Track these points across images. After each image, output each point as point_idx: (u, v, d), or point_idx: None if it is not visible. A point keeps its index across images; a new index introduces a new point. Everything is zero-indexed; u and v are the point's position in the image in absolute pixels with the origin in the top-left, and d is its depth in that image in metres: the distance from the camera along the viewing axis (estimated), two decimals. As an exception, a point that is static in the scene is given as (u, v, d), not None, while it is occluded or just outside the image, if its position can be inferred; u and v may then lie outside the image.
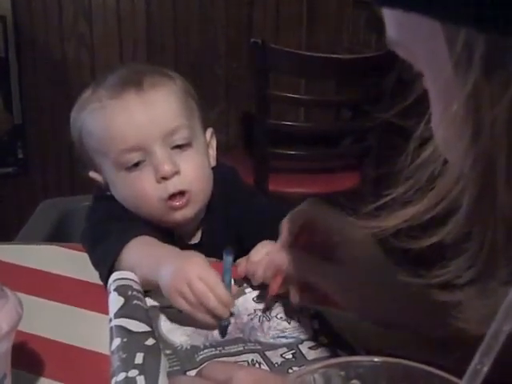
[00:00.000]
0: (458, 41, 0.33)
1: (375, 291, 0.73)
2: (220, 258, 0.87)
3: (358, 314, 0.75)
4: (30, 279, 0.90)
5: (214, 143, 1.07)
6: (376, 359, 0.37)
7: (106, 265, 0.87)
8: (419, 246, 0.42)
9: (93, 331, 0.78)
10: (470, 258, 0.38)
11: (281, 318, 0.81)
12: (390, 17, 0.40)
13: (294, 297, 0.78)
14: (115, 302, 0.75)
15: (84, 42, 2.78)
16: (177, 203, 0.95)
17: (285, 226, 0.79)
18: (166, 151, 0.94)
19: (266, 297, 0.82)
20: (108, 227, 0.94)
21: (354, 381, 0.37)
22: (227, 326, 0.78)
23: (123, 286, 0.78)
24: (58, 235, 1.38)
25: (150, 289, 0.83)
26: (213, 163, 1.05)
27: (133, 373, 0.63)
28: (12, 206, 2.85)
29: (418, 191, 0.40)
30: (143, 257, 0.86)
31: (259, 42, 2.09)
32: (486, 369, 0.30)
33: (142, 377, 0.63)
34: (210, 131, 1.07)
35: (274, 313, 0.82)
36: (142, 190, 0.95)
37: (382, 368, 0.37)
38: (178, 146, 0.96)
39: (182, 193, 0.96)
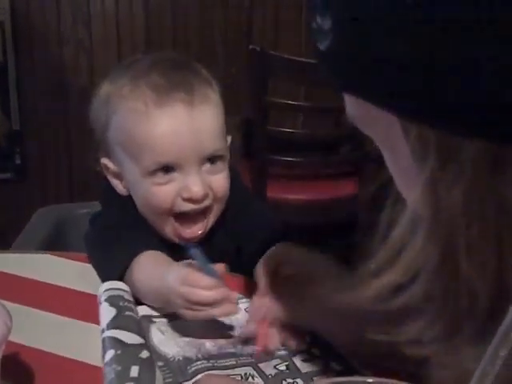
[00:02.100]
0: (413, 132, 0.34)
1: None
2: (218, 256, 0.86)
3: (343, 345, 0.75)
4: (23, 289, 0.89)
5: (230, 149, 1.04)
6: (369, 380, 0.36)
7: (115, 272, 0.86)
8: (386, 308, 0.42)
9: (85, 342, 0.77)
10: (430, 318, 0.38)
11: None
12: (350, 98, 0.40)
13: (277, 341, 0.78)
14: (107, 312, 0.74)
15: (83, 47, 2.78)
16: (188, 233, 0.94)
17: (260, 273, 0.81)
18: (199, 172, 0.92)
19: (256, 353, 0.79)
20: (118, 233, 0.92)
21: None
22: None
23: (115, 296, 0.77)
24: (53, 243, 1.38)
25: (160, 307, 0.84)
26: None
27: (129, 386, 0.62)
28: (9, 212, 2.84)
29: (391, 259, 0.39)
30: (149, 274, 0.85)
31: (257, 49, 2.08)
32: (492, 377, 0.29)
33: (138, 390, 0.62)
34: (229, 138, 1.02)
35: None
36: (163, 202, 0.92)
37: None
38: (210, 165, 0.93)
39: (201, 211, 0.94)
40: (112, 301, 0.76)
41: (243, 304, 0.85)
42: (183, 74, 0.94)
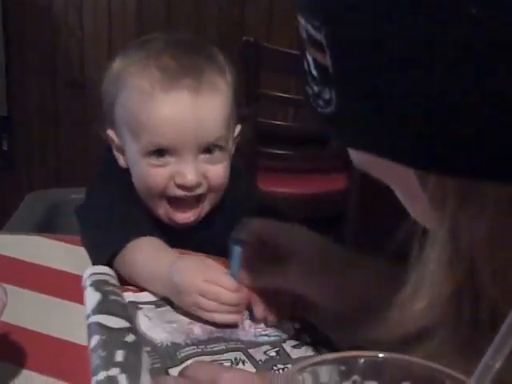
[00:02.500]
0: (430, 180, 0.34)
1: (331, 279, 0.75)
2: (213, 243, 0.88)
3: (321, 302, 0.76)
4: (15, 269, 0.88)
5: (237, 141, 1.03)
6: (379, 355, 0.36)
7: (104, 256, 0.85)
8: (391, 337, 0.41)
9: (75, 323, 0.76)
10: (443, 338, 0.38)
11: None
12: (358, 154, 0.39)
13: (259, 311, 0.79)
14: (92, 297, 0.73)
15: (74, 35, 2.76)
16: (180, 218, 0.94)
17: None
18: (195, 160, 0.91)
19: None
20: (113, 213, 0.91)
21: (354, 376, 0.36)
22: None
23: (100, 280, 0.76)
24: (44, 227, 1.37)
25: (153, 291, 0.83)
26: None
27: (114, 371, 0.61)
28: (-4, 198, 2.82)
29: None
30: (149, 260, 0.85)
31: (251, 40, 2.08)
32: (498, 365, 0.29)
33: (123, 375, 0.61)
34: (238, 128, 1.03)
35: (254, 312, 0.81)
36: (155, 185, 0.92)
37: (384, 364, 0.36)
38: (209, 155, 0.93)
39: (196, 196, 0.94)
40: (97, 285, 0.75)
41: None
42: (195, 59, 0.93)
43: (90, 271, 0.78)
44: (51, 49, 2.75)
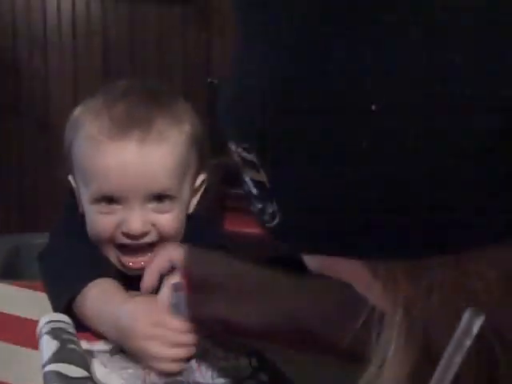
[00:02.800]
0: (380, 268, 0.35)
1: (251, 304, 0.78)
2: None
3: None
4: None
5: (201, 190, 1.03)
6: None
7: (62, 301, 0.84)
8: None
9: (30, 369, 0.74)
10: None
11: (218, 357, 0.80)
12: (312, 258, 0.41)
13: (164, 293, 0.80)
14: (49, 345, 0.71)
15: (39, 75, 2.76)
16: (130, 264, 0.93)
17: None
18: (142, 209, 0.91)
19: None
20: (73, 258, 0.91)
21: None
22: None
23: (57, 328, 0.74)
24: (5, 272, 1.34)
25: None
26: (191, 210, 1.01)
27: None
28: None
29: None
30: (98, 303, 0.83)
31: (215, 82, 2.10)
32: None
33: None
34: (201, 178, 1.02)
35: (211, 351, 0.80)
36: (103, 232, 0.92)
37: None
38: (157, 204, 0.92)
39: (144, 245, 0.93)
40: (55, 333, 0.73)
41: None
42: (149, 109, 0.93)
43: (46, 319, 0.76)
44: (16, 89, 2.75)
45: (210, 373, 0.77)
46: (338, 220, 0.34)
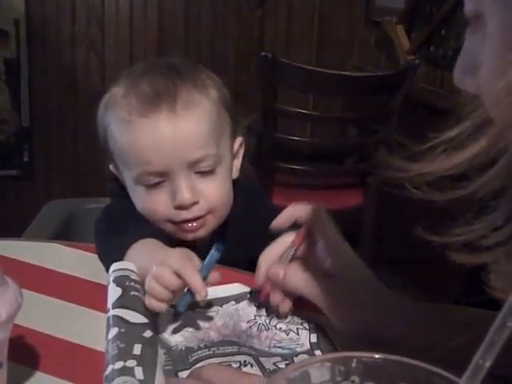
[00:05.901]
0: None
1: (366, 308, 0.75)
2: (228, 255, 0.85)
3: (349, 328, 0.76)
4: (31, 275, 0.90)
5: (241, 153, 1.04)
6: (377, 356, 0.37)
7: (112, 260, 0.85)
8: (444, 198, 0.40)
9: (90, 328, 0.78)
10: (499, 217, 0.36)
11: (280, 328, 0.81)
12: None
13: (275, 297, 0.80)
14: (113, 292, 0.74)
15: (94, 48, 2.80)
16: (189, 226, 0.95)
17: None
18: (188, 178, 0.92)
19: (293, 248, 0.81)
20: (122, 224, 0.93)
21: (353, 377, 0.37)
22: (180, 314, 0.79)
23: (121, 276, 0.77)
24: (62, 236, 1.38)
25: None
26: (235, 175, 1.02)
27: (130, 363, 0.62)
28: (16, 209, 2.85)
29: (468, 137, 0.38)
30: (142, 256, 0.85)
31: (269, 56, 2.10)
32: (488, 364, 0.30)
33: (139, 368, 0.62)
34: (238, 141, 1.03)
35: (273, 322, 0.82)
36: (155, 210, 0.94)
37: (382, 365, 0.37)
38: (202, 172, 0.94)
39: (197, 217, 0.95)
40: (118, 281, 0.76)
41: (253, 297, 0.86)
42: (171, 80, 0.94)
43: (114, 267, 0.79)
44: (72, 61, 2.79)
45: (268, 342, 0.78)
46: None
